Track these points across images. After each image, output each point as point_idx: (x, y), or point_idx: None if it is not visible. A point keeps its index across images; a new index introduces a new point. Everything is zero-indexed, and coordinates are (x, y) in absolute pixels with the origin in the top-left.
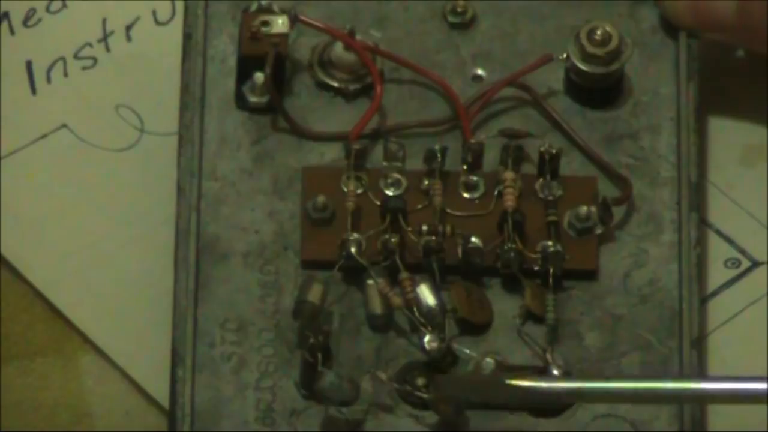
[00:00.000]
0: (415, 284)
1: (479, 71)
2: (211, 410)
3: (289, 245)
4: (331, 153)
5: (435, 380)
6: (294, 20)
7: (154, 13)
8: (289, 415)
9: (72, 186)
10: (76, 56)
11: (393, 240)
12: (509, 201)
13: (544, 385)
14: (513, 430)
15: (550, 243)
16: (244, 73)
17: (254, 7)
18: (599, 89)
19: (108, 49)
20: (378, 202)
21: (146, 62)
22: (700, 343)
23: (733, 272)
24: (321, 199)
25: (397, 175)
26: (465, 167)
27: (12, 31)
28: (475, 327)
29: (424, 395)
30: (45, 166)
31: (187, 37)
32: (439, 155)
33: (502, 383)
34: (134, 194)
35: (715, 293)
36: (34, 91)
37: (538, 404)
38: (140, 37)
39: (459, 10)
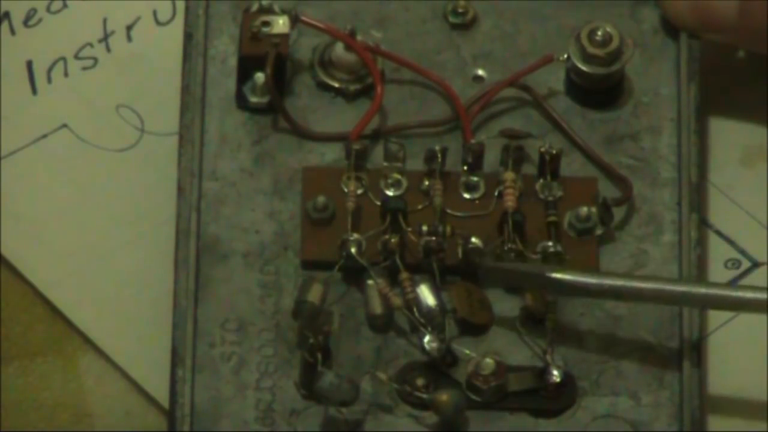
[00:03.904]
0: (415, 284)
1: (480, 72)
2: (211, 410)
3: (289, 245)
4: (332, 153)
5: (481, 267)
6: (295, 20)
7: (154, 13)
8: (289, 415)
9: (72, 186)
10: (76, 56)
11: (393, 240)
12: (509, 201)
13: (583, 279)
14: (513, 431)
15: (550, 243)
16: (244, 74)
17: (255, 7)
18: (600, 90)
19: (108, 49)
20: (378, 203)
21: (147, 62)
22: (700, 343)
23: (734, 273)
24: (321, 199)
25: (397, 176)
26: (465, 168)
27: (12, 31)
28: (475, 327)
29: (424, 395)
30: (45, 166)
31: (188, 37)
32: (439, 156)
33: (544, 276)
34: (134, 194)
35: None
36: (34, 91)
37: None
38: (141, 37)
39: (460, 10)
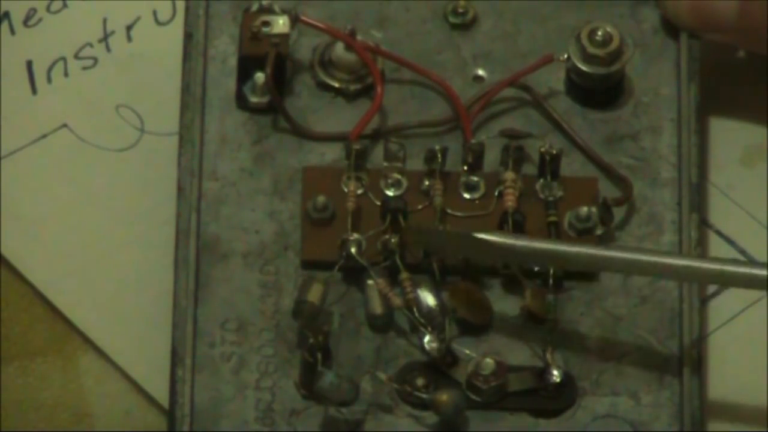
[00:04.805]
0: (415, 284)
1: (480, 72)
2: (211, 410)
3: (289, 245)
4: (332, 153)
5: (405, 229)
6: (295, 20)
7: (154, 13)
8: (289, 415)
9: (72, 186)
10: (76, 56)
11: (393, 240)
12: (510, 201)
13: (508, 241)
14: (513, 431)
15: None
16: (244, 73)
17: (255, 7)
18: (600, 90)
19: (108, 49)
20: (378, 203)
21: (147, 62)
22: (700, 343)
23: None
24: (321, 199)
25: (397, 176)
26: (465, 168)
27: (12, 31)
28: (475, 327)
29: (424, 395)
30: (45, 166)
31: (188, 37)
32: (439, 156)
33: (470, 237)
34: (134, 194)
35: (715, 293)
36: (34, 91)
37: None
38: (141, 37)
39: (460, 10)
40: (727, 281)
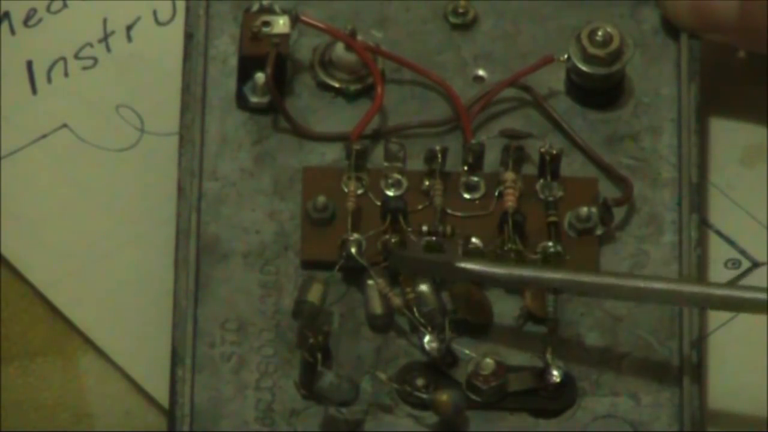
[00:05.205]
0: (415, 284)
1: (480, 72)
2: (211, 410)
3: (290, 245)
4: (332, 153)
5: (391, 256)
6: (295, 20)
7: (154, 13)
8: (289, 415)
9: (72, 186)
10: (76, 56)
11: (393, 240)
12: (510, 202)
13: (487, 269)
14: (513, 431)
15: (550, 244)
16: (245, 74)
17: (255, 7)
18: (600, 90)
19: (109, 49)
20: (378, 203)
21: (147, 62)
22: (700, 343)
23: (734, 273)
24: (321, 199)
25: (397, 176)
26: (465, 168)
27: (12, 31)
28: (475, 327)
29: (424, 395)
30: (45, 166)
31: (189, 37)
32: (439, 156)
33: (452, 265)
34: (134, 194)
35: None
36: (34, 91)
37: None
38: (141, 37)
39: (460, 10)
40: (703, 305)
